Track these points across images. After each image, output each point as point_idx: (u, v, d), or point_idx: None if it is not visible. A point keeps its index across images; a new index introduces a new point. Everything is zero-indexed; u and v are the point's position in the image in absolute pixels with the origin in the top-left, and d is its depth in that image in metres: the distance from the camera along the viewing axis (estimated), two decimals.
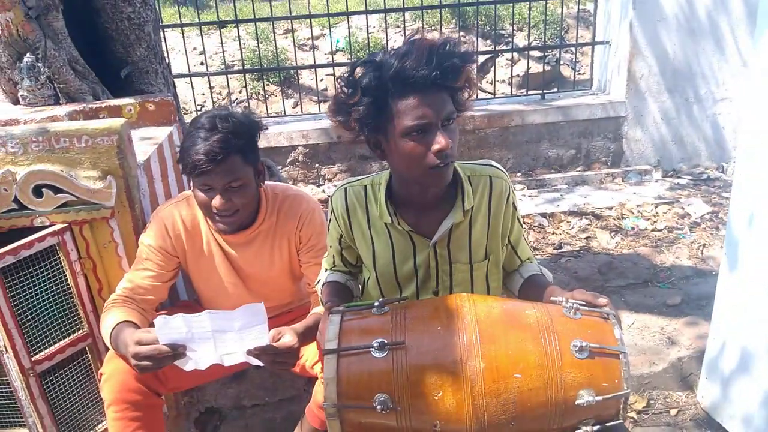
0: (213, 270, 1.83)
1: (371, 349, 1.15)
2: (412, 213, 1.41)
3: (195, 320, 1.42)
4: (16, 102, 2.34)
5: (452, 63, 1.24)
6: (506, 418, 1.11)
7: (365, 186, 1.46)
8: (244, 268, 1.83)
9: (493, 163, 1.47)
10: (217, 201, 1.62)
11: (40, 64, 2.24)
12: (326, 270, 1.62)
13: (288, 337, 1.52)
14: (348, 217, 1.46)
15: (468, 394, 1.10)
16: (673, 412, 2.22)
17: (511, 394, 1.10)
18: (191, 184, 1.70)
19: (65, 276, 1.82)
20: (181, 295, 2.16)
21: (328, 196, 3.86)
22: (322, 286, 1.57)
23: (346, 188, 1.47)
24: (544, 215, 3.59)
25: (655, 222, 3.49)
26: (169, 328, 1.43)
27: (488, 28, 5.06)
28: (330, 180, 4.11)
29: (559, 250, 3.21)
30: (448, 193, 1.40)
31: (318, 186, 4.09)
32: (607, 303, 1.22)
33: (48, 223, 1.79)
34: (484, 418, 1.11)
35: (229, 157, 1.59)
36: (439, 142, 1.24)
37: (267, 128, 1.79)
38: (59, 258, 1.79)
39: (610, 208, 3.67)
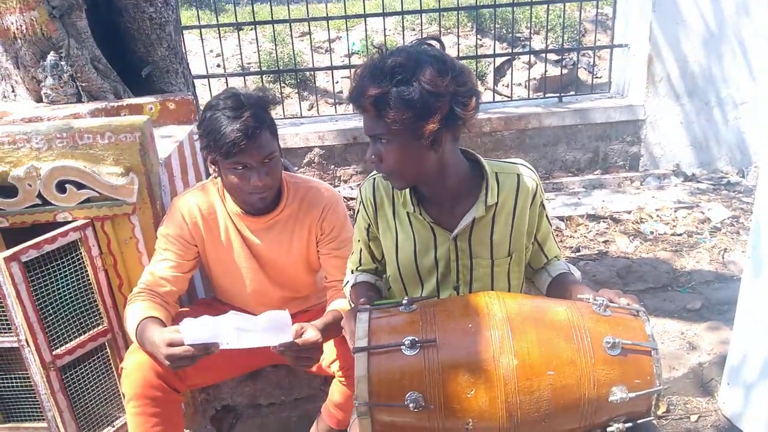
0: (231, 256, 1.82)
1: (402, 346, 1.13)
2: (435, 206, 1.41)
3: (221, 320, 1.43)
4: (39, 100, 2.35)
5: None
6: (539, 416, 1.09)
7: None
8: (263, 254, 1.82)
9: (524, 162, 1.46)
10: (255, 178, 1.61)
11: (63, 63, 2.26)
12: (352, 272, 1.61)
13: (311, 332, 1.51)
14: (375, 206, 1.47)
15: (501, 392, 1.09)
16: (693, 417, 2.18)
17: (544, 391, 1.09)
18: (215, 170, 1.68)
19: (86, 271, 1.82)
20: (199, 293, 2.16)
21: (344, 197, 3.85)
22: (351, 287, 1.56)
23: (374, 179, 1.48)
24: (561, 218, 3.56)
25: (674, 226, 3.45)
26: (195, 330, 1.43)
27: (505, 31, 5.05)
28: (345, 182, 4.10)
29: (577, 254, 3.18)
30: (473, 187, 1.39)
31: (334, 187, 4.07)
32: (629, 301, 1.21)
33: (70, 219, 1.80)
34: (518, 416, 1.09)
35: (263, 131, 1.59)
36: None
37: (279, 102, 1.79)
38: (81, 253, 1.80)
39: (629, 212, 3.63)
